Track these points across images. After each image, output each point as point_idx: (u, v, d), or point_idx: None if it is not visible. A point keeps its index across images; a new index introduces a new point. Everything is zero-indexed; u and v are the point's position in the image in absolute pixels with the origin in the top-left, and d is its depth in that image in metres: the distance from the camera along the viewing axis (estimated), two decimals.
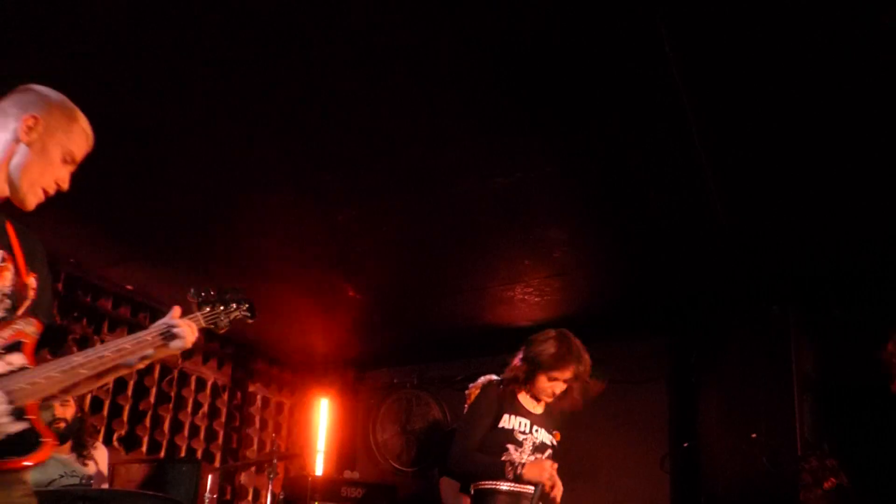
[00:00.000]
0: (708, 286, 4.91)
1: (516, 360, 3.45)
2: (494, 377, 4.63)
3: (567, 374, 3.29)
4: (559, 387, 3.33)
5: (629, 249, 4.52)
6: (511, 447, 3.23)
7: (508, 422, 3.28)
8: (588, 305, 5.24)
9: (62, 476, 3.38)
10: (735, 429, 4.86)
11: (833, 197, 3.75)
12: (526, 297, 5.17)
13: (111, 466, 4.26)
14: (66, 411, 3.55)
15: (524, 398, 3.41)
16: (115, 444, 5.24)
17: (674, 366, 5.40)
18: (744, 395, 4.87)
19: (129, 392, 5.42)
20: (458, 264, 4.78)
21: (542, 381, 3.32)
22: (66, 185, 1.83)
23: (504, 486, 3.15)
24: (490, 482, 3.17)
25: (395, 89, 3.14)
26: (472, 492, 3.24)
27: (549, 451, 3.34)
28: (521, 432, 3.27)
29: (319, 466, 6.50)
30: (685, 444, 5.14)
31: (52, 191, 1.81)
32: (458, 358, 6.30)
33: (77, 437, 3.62)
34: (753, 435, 4.74)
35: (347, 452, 6.65)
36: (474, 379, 5.04)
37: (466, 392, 4.78)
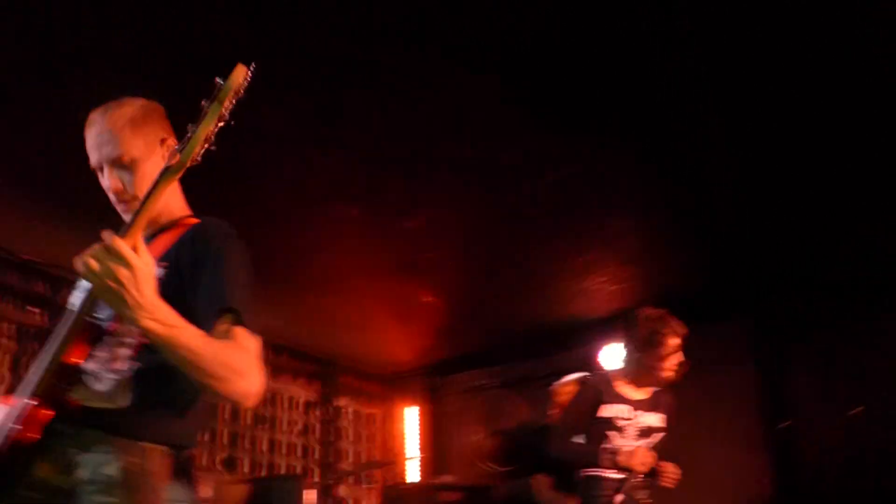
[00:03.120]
0: (792, 263, 4.76)
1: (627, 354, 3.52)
2: (580, 375, 4.61)
3: (676, 341, 3.35)
4: (675, 358, 3.37)
5: (706, 232, 4.43)
6: (612, 434, 3.27)
7: (608, 411, 3.34)
8: (666, 290, 5.12)
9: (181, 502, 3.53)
10: (836, 405, 4.68)
11: None
12: (602, 286, 5.12)
13: (216, 488, 4.43)
14: None
15: (622, 387, 3.43)
16: (218, 466, 5.44)
17: (761, 346, 5.23)
18: (845, 370, 4.69)
19: (227, 415, 5.63)
20: (529, 260, 4.77)
21: (655, 360, 3.35)
22: (109, 193, 1.71)
23: (608, 473, 3.21)
24: (595, 470, 3.23)
25: (453, 89, 3.15)
26: (580, 479, 3.28)
27: (658, 435, 3.37)
28: (621, 419, 3.31)
29: (414, 473, 6.58)
30: (784, 425, 4.98)
31: (113, 201, 1.73)
32: (539, 355, 6.27)
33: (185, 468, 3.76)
34: (857, 410, 4.55)
35: (440, 457, 6.70)
36: (558, 375, 5.03)
37: (550, 390, 4.77)
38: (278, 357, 6.12)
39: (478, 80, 3.10)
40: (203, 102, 1.39)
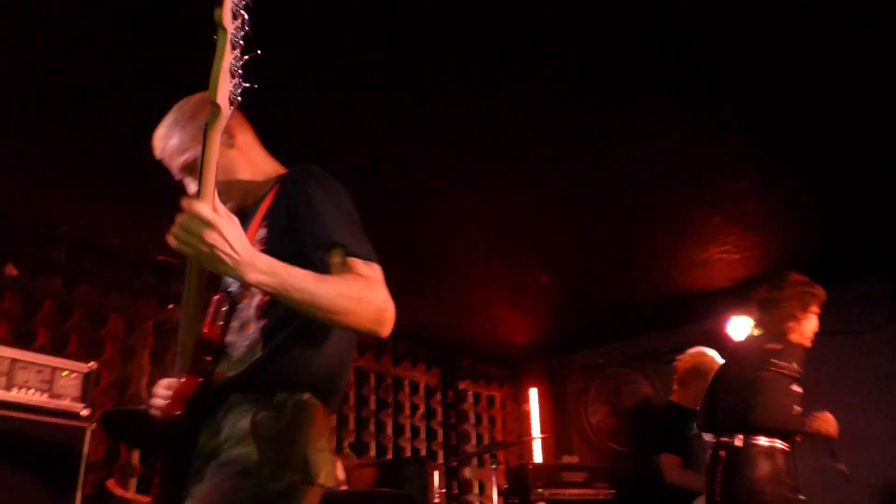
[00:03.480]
0: None
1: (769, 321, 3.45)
2: (704, 349, 4.48)
3: (818, 307, 3.37)
4: (814, 323, 3.37)
5: (833, 191, 4.17)
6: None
7: (797, 386, 3.28)
8: (792, 256, 4.88)
9: None
10: None
11: None
12: (723, 255, 4.93)
13: (346, 471, 4.58)
14: None
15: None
16: (347, 450, 5.62)
17: None
18: None
19: (351, 402, 5.80)
20: (646, 231, 4.64)
21: (797, 325, 3.35)
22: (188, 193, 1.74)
23: (779, 444, 3.19)
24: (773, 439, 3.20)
25: (554, 60, 3.10)
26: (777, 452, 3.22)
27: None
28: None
29: (538, 454, 6.57)
30: None
31: None
32: (660, 330, 6.12)
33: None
34: None
35: (563, 438, 6.67)
36: (681, 350, 4.91)
37: (675, 364, 4.65)
38: (399, 343, 6.25)
39: (585, 44, 3.02)
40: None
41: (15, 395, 3.16)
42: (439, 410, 6.42)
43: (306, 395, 1.54)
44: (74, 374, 3.34)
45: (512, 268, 5.12)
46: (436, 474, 4.93)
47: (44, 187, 3.99)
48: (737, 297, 5.03)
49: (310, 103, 3.31)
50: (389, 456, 5.88)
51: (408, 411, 6.20)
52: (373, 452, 5.82)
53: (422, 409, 6.30)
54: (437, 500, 4.75)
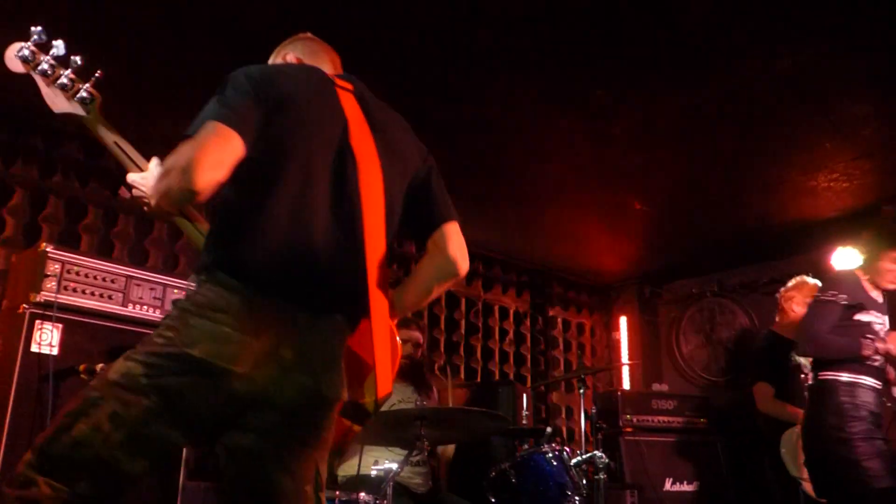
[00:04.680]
0: None
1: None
2: (808, 278, 4.35)
3: None
4: None
5: None
6: (869, 340, 3.18)
7: (865, 315, 3.26)
8: None
9: (399, 402, 3.83)
10: None
11: None
12: (831, 184, 4.69)
13: (438, 392, 4.72)
14: (413, 336, 4.04)
15: (872, 290, 3.34)
16: (437, 372, 5.78)
17: None
18: None
19: (442, 326, 5.92)
20: (749, 158, 4.46)
21: (886, 264, 3.30)
22: None
23: (868, 381, 3.16)
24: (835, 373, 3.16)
25: None
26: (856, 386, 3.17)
27: None
28: (877, 323, 3.26)
29: (626, 381, 6.58)
30: None
31: None
32: (759, 260, 5.94)
33: (418, 372, 4.03)
34: None
35: (653, 366, 6.65)
36: (780, 281, 4.77)
37: (778, 295, 4.52)
38: (490, 269, 6.29)
39: None
40: None
41: (130, 310, 3.37)
42: (528, 336, 6.48)
43: (203, 276, 1.60)
44: (182, 291, 3.53)
45: (608, 194, 5.03)
46: (524, 397, 5.03)
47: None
48: (843, 228, 4.82)
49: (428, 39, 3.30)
50: (478, 379, 6.01)
51: (497, 336, 6.29)
52: (462, 375, 5.96)
53: (511, 335, 6.38)
54: (525, 422, 4.85)
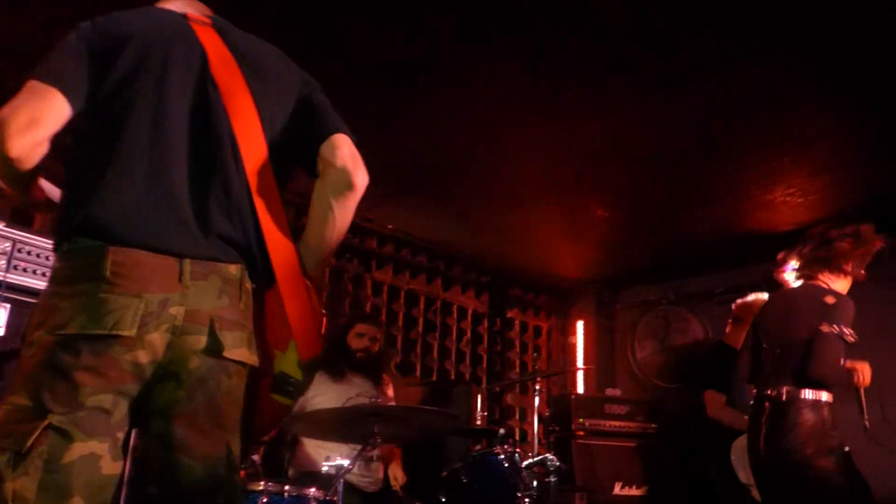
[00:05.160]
0: None
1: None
2: (764, 294, 4.42)
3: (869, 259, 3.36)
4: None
5: None
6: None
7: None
8: (859, 201, 4.74)
9: (358, 395, 3.81)
10: None
11: None
12: (787, 198, 4.79)
13: (393, 389, 4.71)
14: (372, 330, 4.02)
15: None
16: (393, 370, 5.76)
17: None
18: None
19: (400, 323, 5.90)
20: (710, 171, 4.55)
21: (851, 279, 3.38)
22: None
23: (825, 396, 3.19)
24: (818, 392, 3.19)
25: None
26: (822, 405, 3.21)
27: None
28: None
29: (581, 385, 6.64)
30: None
31: None
32: (715, 271, 6.04)
33: (376, 367, 4.02)
34: None
35: (607, 371, 6.71)
36: (735, 291, 4.86)
37: (733, 307, 4.60)
38: (451, 268, 6.30)
39: None
40: None
41: None
42: (486, 337, 6.50)
43: (63, 247, 1.49)
44: None
45: (572, 200, 5.07)
46: (479, 397, 5.03)
47: None
48: (795, 242, 4.91)
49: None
50: (434, 378, 6.01)
51: (454, 335, 6.29)
52: (418, 374, 5.95)
53: (468, 335, 6.39)
54: (479, 423, 4.86)
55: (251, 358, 1.55)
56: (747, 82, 3.55)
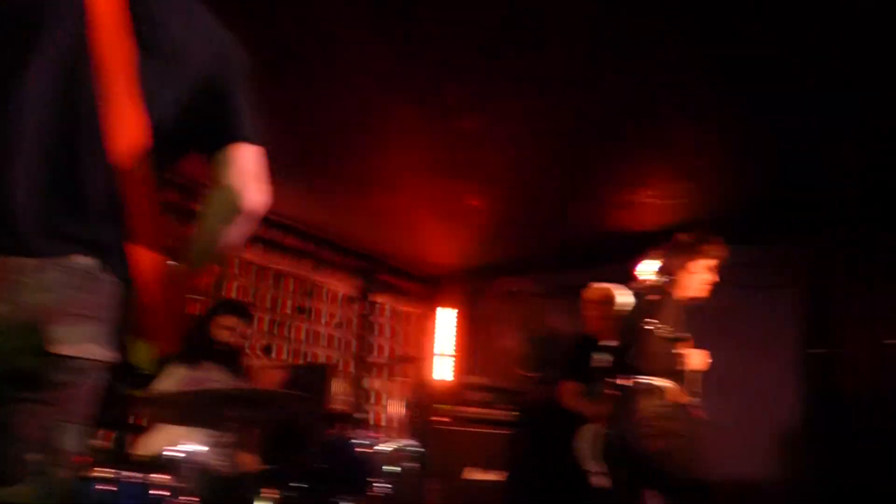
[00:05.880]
0: (851, 190, 4.60)
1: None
2: (610, 285, 4.65)
3: (706, 263, 3.58)
4: (703, 277, 3.61)
5: (763, 151, 4.27)
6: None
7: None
8: (718, 209, 5.03)
9: (213, 381, 3.67)
10: (876, 336, 4.64)
11: None
12: (651, 201, 5.01)
13: (255, 372, 4.58)
14: (239, 326, 3.86)
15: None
16: (256, 352, 5.62)
17: (810, 271, 5.13)
18: (884, 302, 4.63)
19: (266, 303, 5.76)
20: (581, 170, 4.69)
21: (682, 280, 3.58)
22: None
23: (664, 382, 3.41)
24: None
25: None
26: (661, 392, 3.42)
27: None
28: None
29: (445, 372, 6.72)
30: (819, 351, 4.95)
31: None
32: (580, 265, 6.23)
33: (235, 358, 3.87)
34: (891, 342, 4.51)
35: (473, 359, 6.82)
36: None
37: (583, 298, 4.80)
38: (321, 249, 6.20)
39: None
40: None
41: None
42: (353, 321, 6.45)
43: None
44: None
45: (446, 189, 5.09)
46: (342, 382, 4.99)
47: None
48: (658, 242, 5.15)
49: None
50: (298, 361, 5.91)
51: (322, 318, 6.21)
52: (282, 356, 5.83)
53: (336, 318, 6.32)
54: (341, 407, 4.82)
55: (95, 352, 1.42)
56: (620, 87, 3.67)
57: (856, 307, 4.86)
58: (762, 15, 3.09)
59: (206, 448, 2.81)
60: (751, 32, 3.23)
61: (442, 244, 6.32)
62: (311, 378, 4.90)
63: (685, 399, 3.66)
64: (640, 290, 3.67)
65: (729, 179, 4.71)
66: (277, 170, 5.12)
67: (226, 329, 3.79)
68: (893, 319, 4.51)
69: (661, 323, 3.40)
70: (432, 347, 6.97)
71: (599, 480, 4.05)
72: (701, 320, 3.49)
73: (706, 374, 3.53)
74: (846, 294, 4.96)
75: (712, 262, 3.63)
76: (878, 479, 4.33)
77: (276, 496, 3.26)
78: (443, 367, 6.73)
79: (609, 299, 4.58)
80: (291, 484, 3.38)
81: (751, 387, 4.82)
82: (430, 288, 7.19)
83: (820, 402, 4.86)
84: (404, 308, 7.02)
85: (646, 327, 3.37)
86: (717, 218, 4.90)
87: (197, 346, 3.75)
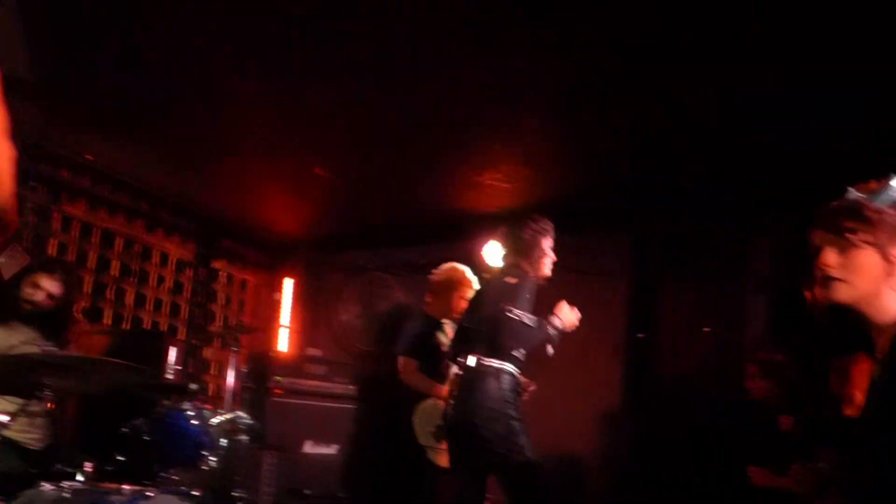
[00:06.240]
0: (674, 185, 4.94)
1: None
2: (457, 265, 4.74)
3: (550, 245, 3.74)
4: (550, 258, 3.74)
5: (601, 144, 4.49)
6: None
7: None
8: (556, 196, 5.25)
9: (22, 343, 3.38)
10: (689, 323, 5.04)
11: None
12: (495, 183, 5.14)
13: (76, 337, 4.27)
14: (53, 286, 3.54)
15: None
16: (78, 316, 5.24)
17: (635, 260, 5.48)
18: (700, 292, 5.02)
19: (91, 264, 5.38)
20: (428, 147, 4.71)
21: (537, 261, 3.69)
22: None
23: (508, 366, 3.53)
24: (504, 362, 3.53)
25: None
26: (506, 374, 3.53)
27: None
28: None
29: (283, 344, 6.60)
30: (639, 336, 5.31)
31: None
32: (422, 243, 6.32)
33: (48, 319, 3.56)
34: (706, 329, 4.91)
35: (311, 331, 6.75)
36: (438, 265, 5.13)
37: (430, 277, 4.87)
38: (155, 210, 5.86)
39: None
40: None
41: None
42: (187, 286, 6.17)
43: None
44: None
45: (291, 155, 4.96)
46: (173, 350, 4.76)
47: None
48: (499, 224, 5.29)
49: None
50: (126, 327, 5.58)
51: (153, 282, 5.89)
52: (108, 321, 5.48)
53: (169, 283, 6.02)
54: (171, 377, 4.60)
55: None
56: (473, 68, 3.70)
57: (675, 296, 5.25)
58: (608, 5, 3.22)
59: (15, 418, 2.59)
60: (606, 33, 3.36)
61: (286, 213, 6.17)
62: (142, 345, 4.64)
63: (526, 384, 3.83)
64: (499, 273, 3.76)
65: (568, 168, 4.91)
66: (108, 122, 4.87)
67: (36, 289, 3.49)
68: (710, 308, 4.91)
69: (518, 306, 3.48)
70: (272, 318, 6.82)
71: (436, 457, 4.16)
72: (536, 303, 3.61)
73: (537, 357, 3.67)
74: (665, 282, 5.35)
75: (553, 246, 3.80)
76: (692, 453, 4.73)
77: (94, 469, 3.07)
78: (282, 339, 6.60)
79: (460, 281, 4.66)
80: (116, 457, 3.20)
81: (580, 368, 5.11)
82: (272, 257, 7.02)
83: (640, 383, 5.24)
84: (244, 276, 6.80)
85: (504, 311, 3.43)
86: (553, 204, 5.11)
87: (6, 305, 3.44)
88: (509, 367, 3.55)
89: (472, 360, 3.55)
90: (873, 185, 1.88)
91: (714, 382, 4.76)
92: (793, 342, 4.54)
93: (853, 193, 1.88)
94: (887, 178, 1.85)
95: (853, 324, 1.86)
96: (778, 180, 4.58)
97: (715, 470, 4.49)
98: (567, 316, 3.60)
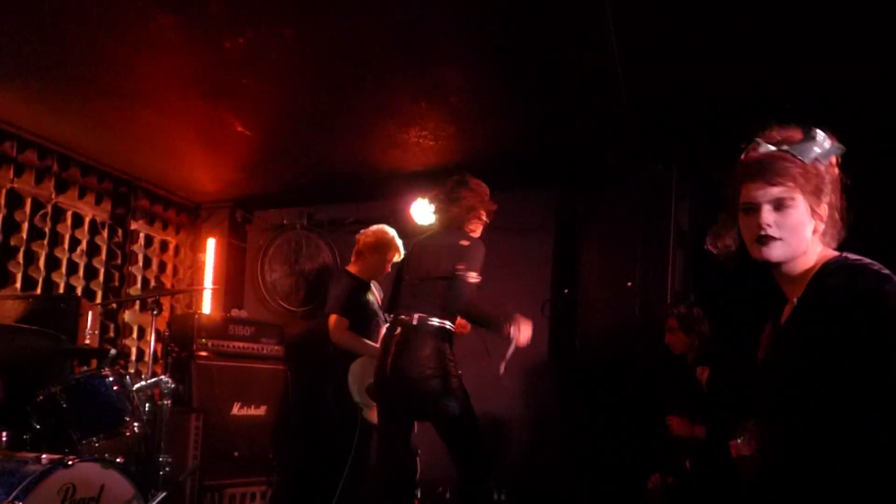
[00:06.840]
0: (598, 141, 4.99)
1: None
2: (386, 227, 4.74)
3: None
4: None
5: (525, 100, 4.49)
6: None
7: None
8: (482, 153, 5.25)
9: None
10: (613, 278, 5.17)
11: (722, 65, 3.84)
12: (421, 140, 5.10)
13: None
14: None
15: None
16: None
17: (560, 217, 5.56)
18: (623, 247, 5.14)
19: None
20: (353, 102, 4.60)
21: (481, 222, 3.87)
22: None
23: (448, 325, 3.66)
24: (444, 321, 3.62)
25: None
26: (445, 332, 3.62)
27: None
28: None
29: (207, 305, 6.46)
30: (565, 291, 5.42)
31: None
32: (348, 200, 6.26)
33: None
34: (629, 284, 5.04)
35: (235, 292, 6.63)
36: (365, 223, 5.11)
37: (357, 237, 4.86)
38: (66, 168, 5.59)
39: None
40: None
41: None
42: (104, 248, 5.95)
43: None
44: None
45: (211, 110, 4.77)
46: (90, 314, 4.61)
47: None
48: (425, 182, 5.28)
49: None
50: (38, 291, 5.35)
51: (66, 245, 5.65)
52: (18, 285, 5.24)
53: (84, 245, 5.78)
54: (88, 342, 4.46)
55: None
56: (398, 19, 3.62)
57: (600, 251, 5.37)
58: None
59: None
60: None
61: (206, 170, 5.98)
62: (57, 310, 4.46)
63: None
64: (442, 233, 3.80)
65: (493, 125, 4.91)
66: (12, 73, 4.61)
67: None
68: (632, 262, 5.04)
69: (471, 268, 3.55)
70: (195, 279, 6.66)
71: (370, 415, 4.18)
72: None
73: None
74: (590, 238, 5.46)
75: (490, 205, 3.88)
76: (616, 407, 4.89)
77: (10, 437, 2.98)
78: (206, 301, 6.46)
79: (389, 244, 4.68)
80: (33, 425, 3.10)
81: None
82: (193, 216, 6.82)
83: (566, 338, 5.37)
84: (164, 237, 6.60)
85: (458, 272, 3.53)
86: (478, 161, 5.13)
87: None
88: (449, 325, 3.61)
89: (415, 318, 3.58)
90: (794, 134, 1.85)
91: (638, 337, 4.91)
92: (709, 295, 4.74)
93: (764, 145, 1.87)
94: (809, 130, 1.84)
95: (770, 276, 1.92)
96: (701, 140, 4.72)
97: (638, 422, 4.67)
98: (523, 330, 3.56)
